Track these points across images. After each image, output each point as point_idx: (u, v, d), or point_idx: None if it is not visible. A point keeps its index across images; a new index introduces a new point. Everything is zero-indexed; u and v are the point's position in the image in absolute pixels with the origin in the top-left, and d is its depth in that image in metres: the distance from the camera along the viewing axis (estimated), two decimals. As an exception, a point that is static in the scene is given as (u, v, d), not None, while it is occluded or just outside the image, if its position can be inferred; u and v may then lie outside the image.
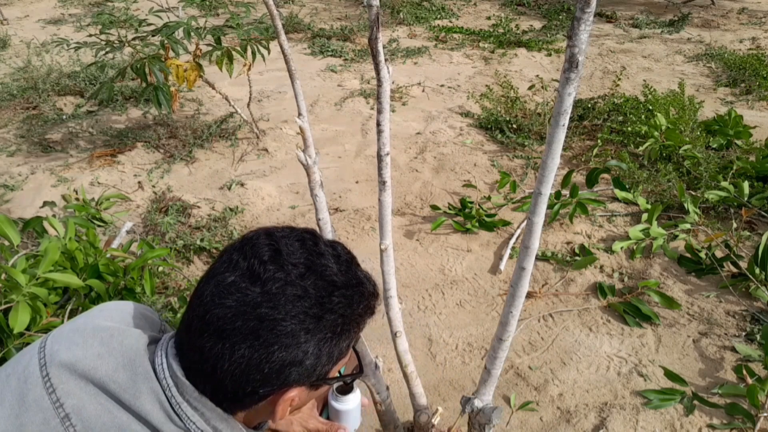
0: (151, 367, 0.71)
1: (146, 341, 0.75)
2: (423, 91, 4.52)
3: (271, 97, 4.41)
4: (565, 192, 2.83)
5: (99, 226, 2.57)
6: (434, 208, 2.95)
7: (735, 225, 2.70)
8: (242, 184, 3.23)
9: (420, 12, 6.60)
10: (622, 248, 2.65)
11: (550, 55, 5.29)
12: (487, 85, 4.43)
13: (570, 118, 0.92)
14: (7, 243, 1.86)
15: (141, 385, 0.69)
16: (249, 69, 3.33)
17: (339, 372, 0.83)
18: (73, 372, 0.69)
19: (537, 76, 4.66)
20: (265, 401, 0.73)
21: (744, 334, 2.19)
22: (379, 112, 1.07)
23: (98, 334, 0.73)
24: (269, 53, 3.36)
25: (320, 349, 0.72)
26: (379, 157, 1.13)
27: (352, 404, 1.14)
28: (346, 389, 1.14)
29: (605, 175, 3.18)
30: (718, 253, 2.55)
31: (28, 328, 1.61)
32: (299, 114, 1.21)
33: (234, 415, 0.74)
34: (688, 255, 2.58)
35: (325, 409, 1.20)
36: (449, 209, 2.93)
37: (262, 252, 0.71)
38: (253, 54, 3.28)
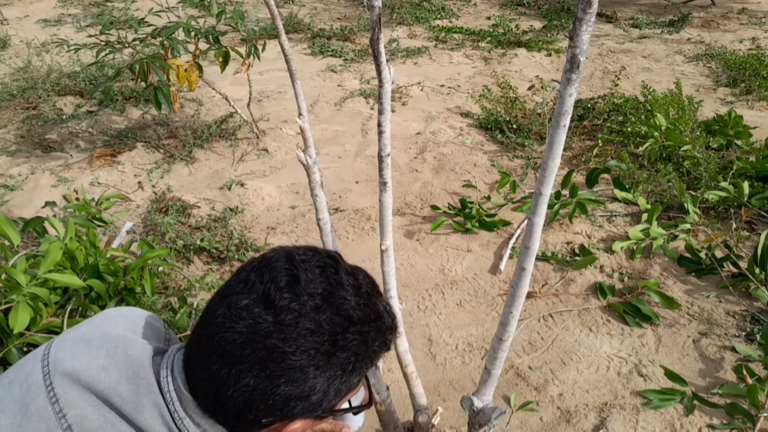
0: (155, 380, 0.70)
1: (151, 352, 0.74)
2: (423, 91, 4.52)
3: (271, 97, 4.41)
4: (565, 192, 2.83)
5: (99, 226, 2.57)
6: (434, 208, 2.95)
7: (735, 225, 2.70)
8: (242, 184, 3.23)
9: (420, 12, 6.60)
10: (622, 248, 2.65)
11: (550, 55, 5.29)
12: (486, 86, 4.43)
13: (570, 118, 0.92)
14: (7, 243, 1.86)
15: (144, 399, 0.68)
16: (248, 69, 3.33)
17: (348, 402, 0.81)
18: (77, 382, 0.68)
19: (537, 76, 4.66)
20: (267, 429, 0.72)
21: (744, 334, 2.19)
22: (381, 112, 1.08)
23: (104, 344, 0.73)
24: (262, 53, 3.35)
25: (329, 386, 0.70)
26: (380, 158, 1.13)
27: (359, 420, 1.14)
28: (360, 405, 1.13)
29: (605, 175, 3.18)
30: (718, 253, 2.55)
31: (28, 328, 1.61)
32: (299, 114, 1.21)
33: None
34: (688, 255, 2.58)
35: None
36: (449, 209, 2.94)
37: (280, 277, 0.68)
38: (254, 53, 3.28)
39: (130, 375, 0.70)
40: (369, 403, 0.86)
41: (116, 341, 0.73)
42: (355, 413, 0.86)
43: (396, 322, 0.78)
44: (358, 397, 0.86)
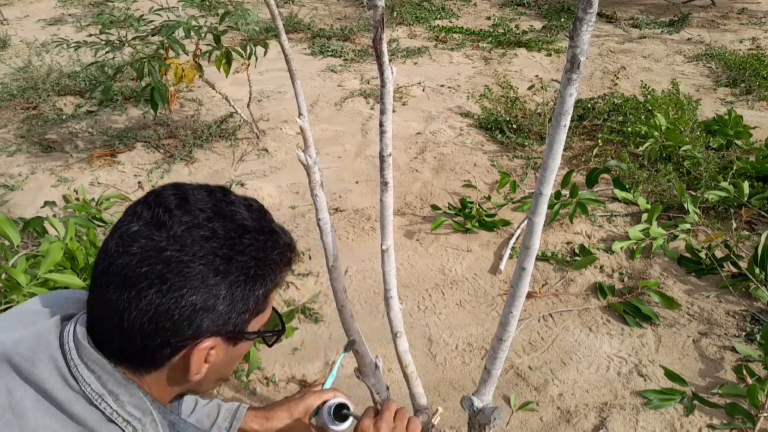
0: (56, 338, 0.69)
1: (62, 317, 0.73)
2: (423, 91, 4.52)
3: (271, 97, 4.41)
4: (565, 192, 2.83)
5: (99, 226, 2.56)
6: (434, 208, 2.95)
7: (735, 225, 2.70)
8: (242, 184, 3.23)
9: (420, 12, 6.60)
10: (622, 248, 2.65)
11: (550, 55, 5.29)
12: (486, 85, 4.43)
13: (570, 118, 0.92)
14: (7, 243, 1.86)
15: (40, 354, 0.67)
16: (248, 68, 3.33)
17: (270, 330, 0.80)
18: None
19: (537, 76, 4.66)
20: (179, 356, 0.70)
21: (744, 334, 2.19)
22: (383, 112, 1.07)
23: (22, 318, 0.73)
24: (266, 53, 3.36)
25: (233, 294, 0.68)
26: (382, 158, 1.13)
27: (344, 429, 1.12)
28: (343, 416, 1.12)
29: (605, 175, 3.18)
30: (718, 253, 2.55)
31: (28, 328, 1.61)
32: (299, 114, 1.21)
33: (146, 376, 0.71)
34: (688, 255, 2.58)
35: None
36: (449, 209, 2.93)
37: (168, 201, 0.68)
38: (251, 54, 3.28)
39: (33, 337, 0.69)
40: (283, 328, 0.85)
41: (34, 315, 0.73)
42: (269, 343, 0.84)
43: (294, 242, 0.77)
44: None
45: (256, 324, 0.76)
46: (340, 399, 1.14)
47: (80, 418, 0.66)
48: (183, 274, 0.65)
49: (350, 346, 1.29)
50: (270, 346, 0.86)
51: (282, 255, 0.74)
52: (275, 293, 0.79)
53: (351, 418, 1.11)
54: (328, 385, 1.20)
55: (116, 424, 0.67)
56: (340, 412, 1.11)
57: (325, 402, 1.14)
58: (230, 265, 0.68)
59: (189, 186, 0.72)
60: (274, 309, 0.83)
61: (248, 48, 3.27)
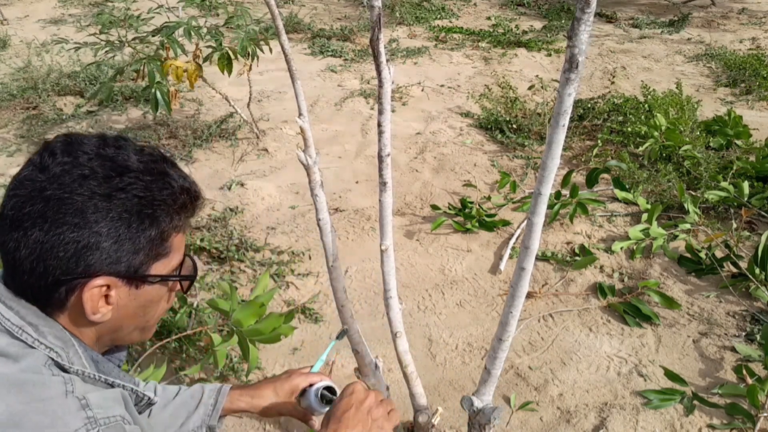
0: None
1: None
2: (423, 91, 4.52)
3: (271, 97, 4.42)
4: (565, 192, 2.83)
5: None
6: (434, 208, 2.95)
7: (735, 225, 2.70)
8: (242, 184, 3.23)
9: (420, 12, 6.60)
10: (622, 248, 2.65)
11: (550, 55, 5.29)
12: (486, 85, 4.43)
13: (570, 118, 0.92)
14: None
15: None
16: (249, 69, 3.33)
17: (174, 272, 0.79)
18: None
19: (537, 76, 4.66)
20: (74, 295, 0.70)
21: (744, 334, 2.19)
22: (381, 113, 1.08)
23: None
24: (271, 52, 3.36)
25: (117, 232, 0.69)
26: (380, 158, 1.13)
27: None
28: (330, 400, 1.12)
29: (605, 175, 3.18)
30: (718, 253, 2.55)
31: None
32: (299, 114, 1.21)
33: (56, 318, 0.72)
34: (688, 255, 2.58)
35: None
36: (449, 209, 2.94)
37: (55, 146, 0.70)
38: (254, 55, 3.28)
39: None
40: (195, 273, 0.84)
41: None
42: (182, 287, 0.82)
43: (196, 188, 0.77)
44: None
45: (160, 268, 0.76)
46: (327, 382, 1.14)
47: (3, 349, 0.67)
48: (62, 211, 0.67)
49: (343, 334, 1.29)
50: (184, 292, 0.85)
51: (174, 197, 0.74)
52: (180, 238, 0.78)
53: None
54: (316, 369, 1.20)
55: (38, 351, 0.68)
56: (327, 395, 1.12)
57: (311, 384, 1.15)
58: (110, 202, 0.68)
59: (83, 134, 0.73)
60: (189, 257, 0.83)
61: (248, 49, 3.27)
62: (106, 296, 0.72)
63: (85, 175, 0.68)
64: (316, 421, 1.16)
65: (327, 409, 1.12)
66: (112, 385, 0.74)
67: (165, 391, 1.12)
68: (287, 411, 1.16)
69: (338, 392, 1.13)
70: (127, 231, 0.70)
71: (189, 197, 0.76)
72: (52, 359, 0.69)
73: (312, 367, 1.20)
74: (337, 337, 1.28)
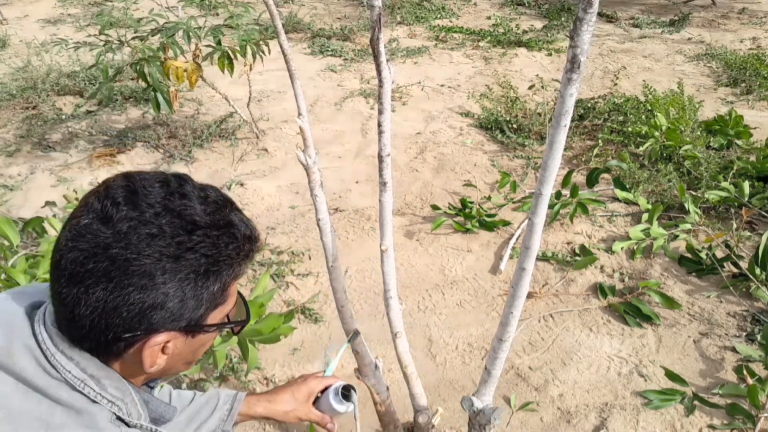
0: (28, 326, 0.70)
1: (28, 304, 0.73)
2: (423, 90, 4.52)
3: (271, 97, 4.41)
4: (566, 192, 2.83)
5: (99, 226, 2.56)
6: (434, 208, 2.94)
7: (735, 225, 2.70)
8: (242, 184, 3.23)
9: (420, 12, 6.59)
10: (622, 248, 2.65)
11: (550, 54, 5.29)
12: (486, 85, 4.43)
13: (570, 118, 0.92)
14: (6, 243, 1.85)
15: (15, 344, 0.68)
16: (250, 69, 3.33)
17: (227, 317, 0.79)
18: None
19: (537, 75, 4.66)
20: (133, 349, 0.70)
21: (744, 334, 2.19)
22: (381, 112, 1.07)
23: None
24: (270, 53, 3.36)
25: (183, 291, 0.68)
26: (380, 158, 1.13)
27: (350, 409, 1.16)
28: (349, 395, 1.15)
29: (605, 175, 3.18)
30: (719, 253, 2.54)
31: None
32: (299, 114, 1.20)
33: (111, 364, 0.72)
34: (688, 255, 2.58)
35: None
36: (449, 209, 2.93)
37: (117, 194, 0.67)
38: (253, 55, 3.28)
39: (6, 327, 0.70)
40: (247, 318, 0.84)
41: (1, 303, 0.74)
42: (235, 332, 0.83)
43: (255, 233, 0.76)
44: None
45: (216, 315, 0.76)
46: (343, 383, 1.18)
47: (66, 401, 0.67)
48: (128, 273, 0.65)
49: (354, 336, 1.30)
50: (236, 334, 0.85)
51: (238, 249, 0.72)
52: (236, 284, 0.78)
53: (356, 398, 1.15)
54: (329, 372, 1.22)
55: (102, 406, 0.69)
56: (347, 393, 1.14)
57: (327, 387, 1.17)
58: (178, 263, 0.67)
59: (142, 176, 0.70)
60: (240, 296, 0.82)
61: (248, 49, 3.27)
62: (164, 348, 0.72)
63: (153, 235, 0.65)
64: (335, 424, 1.17)
65: (347, 407, 1.14)
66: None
67: (180, 396, 1.14)
68: (305, 415, 1.17)
69: (357, 391, 1.16)
70: (192, 289, 0.69)
71: (251, 245, 0.75)
72: (114, 413, 0.70)
73: (325, 371, 1.23)
74: (349, 340, 1.29)
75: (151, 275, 0.66)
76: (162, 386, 1.14)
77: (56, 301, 0.68)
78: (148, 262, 0.65)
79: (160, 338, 0.70)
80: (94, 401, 0.68)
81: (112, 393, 0.70)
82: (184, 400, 1.13)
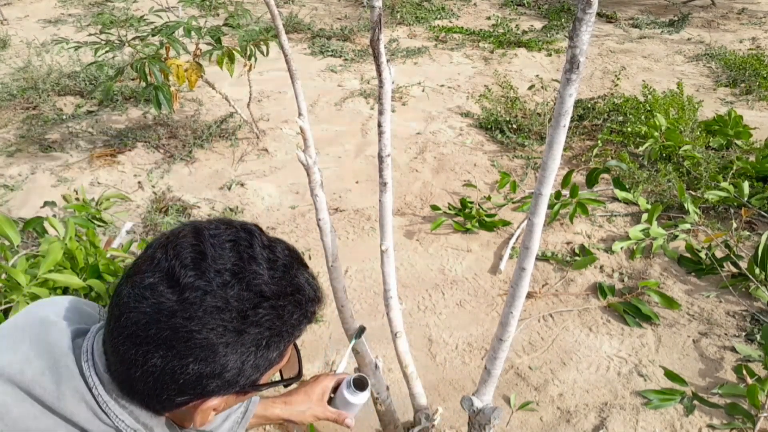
0: (76, 366, 0.69)
1: (71, 335, 0.72)
2: (423, 91, 4.52)
3: (271, 97, 4.41)
4: (565, 192, 2.83)
5: (99, 226, 2.56)
6: (434, 208, 2.95)
7: (735, 225, 2.70)
8: (242, 184, 3.23)
9: (420, 12, 6.60)
10: (622, 248, 2.65)
11: (550, 55, 5.29)
12: (486, 85, 4.43)
13: (570, 118, 0.92)
14: (7, 243, 1.86)
15: (64, 387, 0.67)
16: (250, 70, 3.33)
17: (280, 373, 0.79)
18: (1, 376, 0.67)
19: (537, 76, 4.66)
20: (187, 407, 0.70)
21: (744, 334, 2.19)
22: (381, 113, 1.07)
23: (27, 335, 0.71)
24: (267, 55, 3.36)
25: (243, 363, 0.67)
26: (380, 158, 1.13)
27: (364, 399, 1.17)
28: (362, 385, 1.16)
29: (605, 175, 3.18)
30: (718, 253, 2.55)
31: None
32: (299, 114, 1.21)
33: (160, 414, 0.72)
34: (688, 255, 2.58)
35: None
36: (449, 209, 2.93)
37: (185, 254, 0.65)
38: (251, 56, 3.28)
39: (52, 364, 0.68)
40: (299, 374, 0.84)
41: (38, 328, 0.72)
42: (285, 386, 0.84)
43: (320, 293, 0.75)
44: (291, 368, 0.84)
45: (270, 374, 0.76)
46: (355, 375, 1.19)
47: None
48: (190, 344, 0.64)
49: (361, 332, 1.31)
50: (285, 387, 0.86)
51: (303, 316, 0.72)
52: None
53: (370, 387, 1.18)
54: (340, 369, 1.24)
55: None
56: (359, 384, 1.17)
57: (339, 384, 1.19)
58: (241, 337, 0.66)
59: (211, 232, 0.68)
60: (296, 348, 0.81)
61: (248, 49, 3.27)
62: (215, 407, 0.72)
63: (219, 308, 0.64)
64: (353, 419, 1.19)
65: (362, 397, 1.15)
66: None
67: None
68: (322, 413, 1.18)
69: (369, 382, 1.18)
70: (252, 360, 0.68)
71: (315, 307, 0.74)
72: None
73: (335, 369, 1.25)
74: (356, 336, 1.30)
75: (213, 348, 0.65)
76: None
77: (112, 353, 0.68)
78: (212, 336, 0.64)
79: (214, 402, 0.70)
80: None
81: None
82: None
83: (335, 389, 1.21)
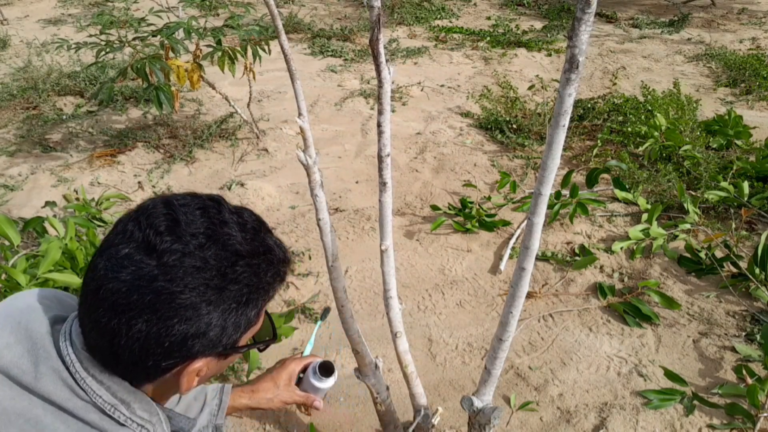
0: (54, 347, 0.70)
1: (51, 321, 0.73)
2: (423, 91, 4.52)
3: (271, 97, 4.42)
4: (565, 192, 2.83)
5: (99, 226, 2.57)
6: (434, 208, 2.95)
7: (735, 225, 2.70)
8: (242, 184, 3.23)
9: (420, 12, 6.60)
10: (622, 248, 2.65)
11: (550, 55, 5.29)
12: (486, 86, 4.43)
13: (570, 118, 0.92)
14: (7, 243, 1.86)
15: (42, 367, 0.68)
16: (250, 70, 3.33)
17: (252, 339, 0.81)
18: None
19: (537, 76, 4.66)
20: (170, 374, 0.72)
21: (744, 334, 2.19)
22: (380, 113, 1.07)
23: (7, 323, 0.72)
24: (269, 53, 3.36)
25: (225, 320, 0.69)
26: (380, 158, 1.13)
27: (331, 384, 1.19)
28: (329, 371, 1.17)
29: (605, 175, 3.18)
30: (718, 253, 2.55)
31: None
32: (299, 114, 1.21)
33: (141, 388, 0.73)
34: (688, 255, 2.58)
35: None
36: (449, 209, 2.93)
37: (159, 222, 0.67)
38: (254, 55, 3.28)
39: (30, 347, 0.69)
40: (273, 336, 0.86)
41: (19, 317, 0.73)
42: (260, 349, 0.86)
43: (288, 255, 0.77)
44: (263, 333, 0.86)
45: (248, 336, 0.77)
46: (321, 360, 1.19)
47: (97, 424, 0.68)
48: (173, 305, 0.65)
49: (326, 313, 1.32)
50: (261, 351, 0.87)
51: (276, 274, 0.74)
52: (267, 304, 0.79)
53: (336, 373, 1.19)
54: (307, 352, 1.25)
55: (129, 429, 0.70)
56: (325, 370, 1.17)
57: (306, 367, 1.19)
58: (222, 294, 0.68)
59: (180, 202, 0.70)
60: (267, 314, 0.84)
61: (248, 49, 3.27)
62: (199, 371, 0.73)
63: (198, 267, 0.66)
64: (321, 401, 1.19)
65: (329, 382, 1.16)
66: None
67: None
68: (289, 397, 1.19)
69: (335, 368, 1.18)
70: (233, 318, 0.70)
71: (285, 268, 0.77)
72: None
73: (303, 352, 1.25)
74: (321, 318, 1.32)
75: (196, 307, 0.66)
76: None
77: (92, 329, 0.68)
78: (194, 295, 0.66)
79: (199, 364, 0.72)
80: (123, 425, 0.70)
81: (141, 415, 0.71)
82: (172, 399, 1.15)
83: (304, 370, 1.21)
